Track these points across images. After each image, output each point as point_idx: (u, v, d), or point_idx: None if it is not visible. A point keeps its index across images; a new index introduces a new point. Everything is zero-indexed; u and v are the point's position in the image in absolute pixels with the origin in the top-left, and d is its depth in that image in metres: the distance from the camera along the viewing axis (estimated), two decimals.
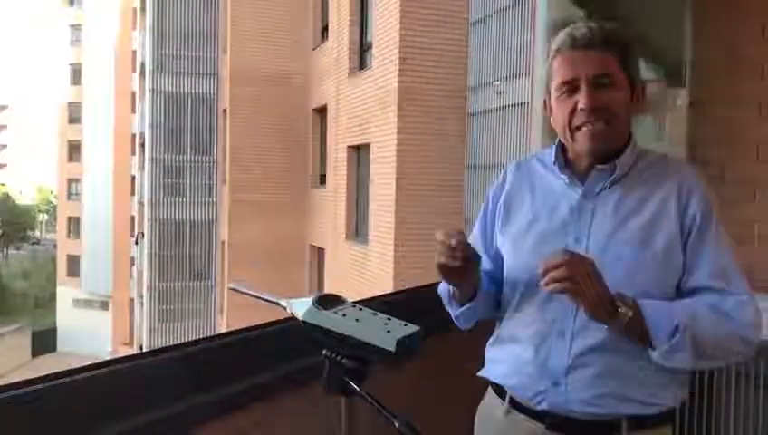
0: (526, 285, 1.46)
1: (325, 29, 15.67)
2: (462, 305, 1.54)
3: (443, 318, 2.22)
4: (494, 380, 1.55)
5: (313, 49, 16.56)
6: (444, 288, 1.59)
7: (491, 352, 1.59)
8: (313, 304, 1.17)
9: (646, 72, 4.58)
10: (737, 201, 3.39)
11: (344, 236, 13.32)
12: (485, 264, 1.56)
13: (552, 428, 1.42)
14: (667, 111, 4.26)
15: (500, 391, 1.54)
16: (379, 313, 1.17)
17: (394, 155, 10.64)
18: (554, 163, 1.48)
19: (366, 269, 11.91)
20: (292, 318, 1.21)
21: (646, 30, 4.17)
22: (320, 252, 15.81)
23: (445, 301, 1.61)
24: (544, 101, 1.50)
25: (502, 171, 1.63)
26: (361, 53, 13.06)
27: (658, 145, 4.50)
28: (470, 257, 1.39)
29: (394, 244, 10.52)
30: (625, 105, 1.42)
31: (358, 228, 13.08)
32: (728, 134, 3.42)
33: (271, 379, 1.73)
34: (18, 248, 55.95)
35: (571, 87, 1.40)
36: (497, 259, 1.58)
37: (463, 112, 10.72)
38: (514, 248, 1.51)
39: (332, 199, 14.13)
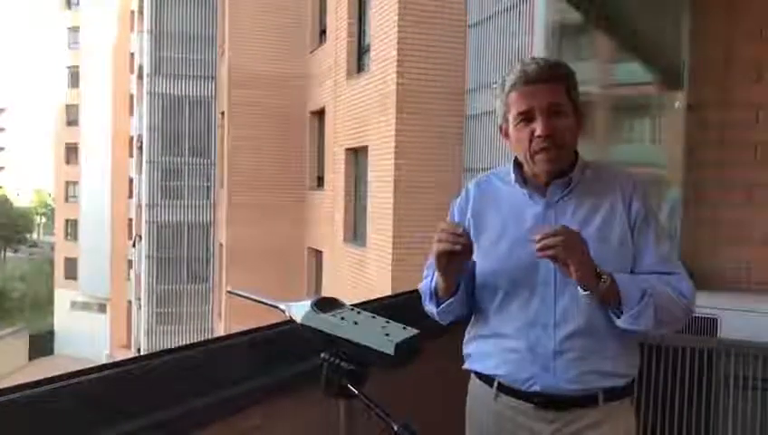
0: (507, 286, 1.67)
1: (323, 31, 15.67)
2: (442, 302, 1.71)
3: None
4: (484, 371, 1.74)
5: (311, 51, 16.56)
6: (426, 286, 1.77)
7: (472, 347, 1.79)
8: (312, 308, 1.17)
9: (642, 75, 4.59)
10: (735, 203, 3.40)
11: (342, 238, 13.31)
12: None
13: (540, 406, 1.65)
14: (665, 113, 4.27)
15: (487, 379, 1.74)
16: (377, 316, 1.17)
17: (392, 157, 10.64)
18: (515, 181, 1.71)
19: (364, 272, 11.91)
20: (291, 321, 1.21)
21: (643, 32, 4.18)
22: (318, 254, 15.80)
23: (425, 299, 1.78)
24: (500, 127, 1.74)
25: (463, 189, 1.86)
26: (359, 56, 13.06)
27: (656, 147, 4.51)
28: (469, 247, 1.58)
29: (392, 246, 10.52)
30: (573, 128, 1.66)
31: (356, 231, 13.08)
32: (726, 136, 3.43)
33: (270, 382, 1.72)
34: (16, 251, 55.88)
35: (527, 117, 1.63)
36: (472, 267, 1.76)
37: (461, 115, 10.73)
38: (489, 255, 1.70)
39: (330, 202, 14.13)
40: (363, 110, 12.12)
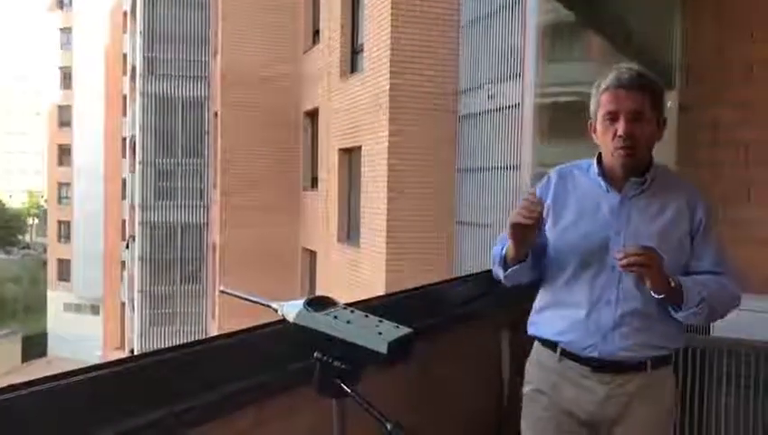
0: (578, 264, 1.93)
1: (317, 32, 15.65)
2: (510, 267, 1.96)
3: (435, 320, 2.23)
4: (548, 337, 2.00)
5: (305, 52, 16.54)
6: (496, 251, 2.02)
7: (540, 316, 2.05)
8: (304, 307, 1.17)
9: None
10: (730, 202, 3.41)
11: (336, 238, 13.30)
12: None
13: (597, 369, 1.92)
14: None
15: (551, 344, 2.00)
16: (370, 315, 1.17)
17: (385, 158, 10.63)
18: (598, 175, 1.95)
19: (358, 272, 11.90)
20: (284, 321, 1.21)
21: (635, 33, 4.19)
22: (312, 255, 15.78)
23: (494, 263, 2.03)
24: (589, 123, 1.99)
25: (546, 175, 2.09)
26: (353, 56, 13.05)
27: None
28: (542, 220, 1.83)
29: (386, 246, 10.51)
30: (650, 135, 1.90)
31: (350, 231, 13.07)
32: (718, 136, 3.45)
33: (263, 382, 1.72)
34: (8, 253, 55.62)
35: (613, 117, 1.88)
36: (542, 242, 1.99)
37: (454, 115, 10.74)
38: (565, 237, 1.96)
39: (324, 202, 14.11)
40: (357, 110, 12.11)
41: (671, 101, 3.79)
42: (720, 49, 3.43)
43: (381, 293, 9.33)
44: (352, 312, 1.18)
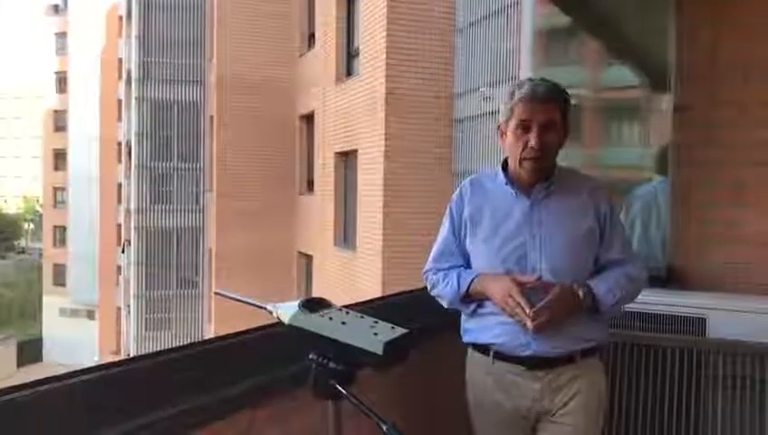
0: (500, 271, 2.02)
1: (312, 36, 15.66)
2: (471, 303, 2.09)
3: (430, 321, 2.23)
4: (482, 342, 2.09)
5: (300, 56, 16.55)
6: (454, 291, 2.09)
7: (472, 323, 2.13)
8: (299, 308, 1.17)
9: (629, 77, 4.62)
10: (725, 204, 3.42)
11: (332, 242, 13.29)
12: (460, 260, 2.15)
13: (531, 367, 2.03)
14: (652, 115, 4.29)
15: (484, 349, 2.09)
16: (366, 316, 1.17)
17: (381, 161, 10.63)
18: (506, 183, 2.07)
19: (354, 275, 11.89)
20: (280, 323, 1.21)
21: (630, 35, 4.20)
22: (308, 259, 15.76)
23: (453, 300, 2.11)
24: (499, 127, 2.09)
25: (458, 187, 2.17)
26: (348, 60, 13.06)
27: (644, 149, 4.53)
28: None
29: (382, 250, 10.51)
30: (559, 143, 2.03)
31: (346, 235, 13.06)
32: (713, 137, 3.45)
33: (258, 384, 1.72)
34: (3, 258, 55.44)
35: (525, 126, 1.98)
36: (465, 255, 2.14)
37: (450, 118, 10.75)
38: (487, 247, 2.07)
39: (320, 206, 14.10)
40: (353, 114, 12.12)
41: (665, 103, 3.80)
42: (715, 49, 3.44)
43: (378, 296, 9.33)
44: (347, 313, 1.18)
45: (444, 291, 2.13)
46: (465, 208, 2.11)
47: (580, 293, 2.00)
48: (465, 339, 2.17)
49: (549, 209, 2.04)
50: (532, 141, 1.95)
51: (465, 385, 2.18)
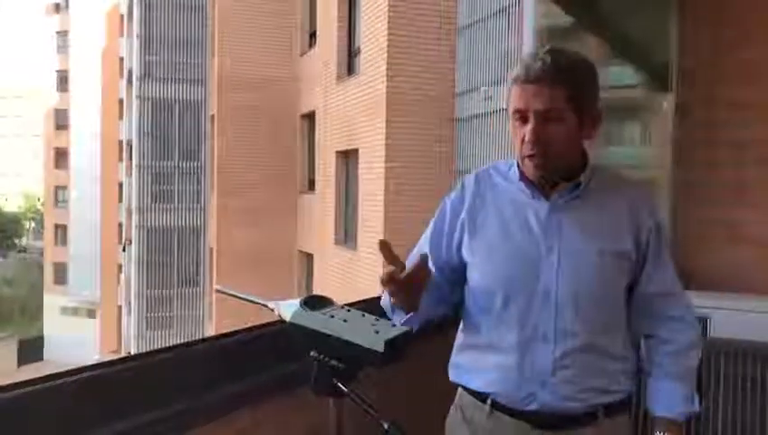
0: (505, 293, 1.56)
1: (313, 35, 15.66)
2: (404, 316, 1.55)
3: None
4: (476, 388, 1.62)
5: (301, 55, 16.55)
6: (385, 301, 1.61)
7: (464, 357, 1.66)
8: (301, 306, 1.16)
9: (631, 77, 4.61)
10: (726, 204, 3.41)
11: (333, 241, 13.29)
12: (435, 271, 1.60)
13: (538, 425, 1.56)
14: (653, 115, 4.29)
15: (479, 395, 1.62)
16: (367, 314, 1.17)
17: (382, 160, 10.64)
18: (519, 179, 1.59)
19: (355, 274, 11.89)
20: (281, 321, 1.20)
21: (632, 35, 4.20)
22: (309, 257, 15.76)
23: (387, 312, 1.62)
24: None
25: (461, 180, 1.72)
26: (349, 59, 13.06)
27: (645, 149, 4.53)
28: (412, 288, 1.46)
29: None
30: (569, 136, 1.52)
31: (346, 234, 13.07)
32: (715, 136, 3.45)
33: (259, 382, 1.71)
34: (4, 256, 55.49)
35: (522, 116, 1.52)
36: (452, 266, 1.66)
37: (451, 117, 10.74)
38: (489, 258, 1.59)
39: (321, 205, 14.11)
40: (353, 113, 12.12)
41: (667, 103, 3.80)
42: (717, 49, 3.44)
43: (378, 295, 9.31)
44: (349, 311, 1.17)
45: (384, 301, 1.62)
46: (465, 207, 1.64)
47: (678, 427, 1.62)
48: (453, 377, 1.69)
49: (574, 217, 1.57)
50: (527, 135, 1.50)
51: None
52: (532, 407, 1.54)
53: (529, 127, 1.50)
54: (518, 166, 1.59)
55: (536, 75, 1.49)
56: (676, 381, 1.64)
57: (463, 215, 1.64)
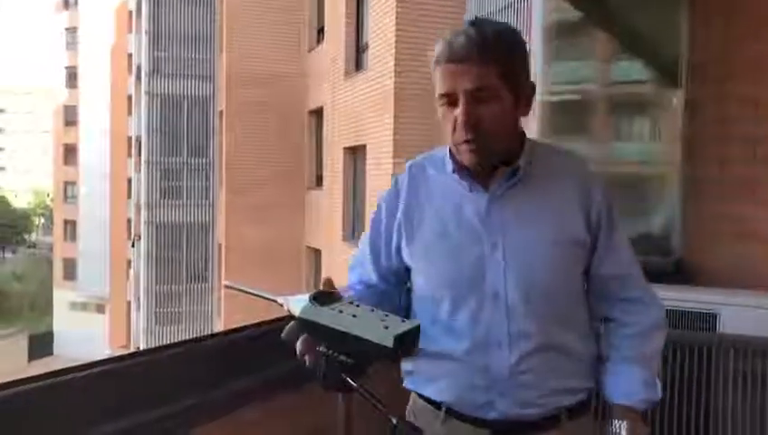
0: (451, 297, 1.44)
1: (321, 30, 15.66)
2: None
3: None
4: (429, 396, 1.52)
5: (309, 51, 16.56)
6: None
7: (416, 364, 1.53)
8: (310, 301, 1.16)
9: (641, 72, 4.59)
10: (736, 200, 3.40)
11: (341, 237, 13.31)
12: (372, 276, 1.57)
13: (499, 431, 1.45)
14: (663, 110, 4.27)
15: (433, 403, 1.52)
16: (376, 309, 1.16)
17: (390, 156, 10.63)
18: (453, 171, 1.46)
19: None
20: (290, 316, 1.20)
21: (642, 30, 4.17)
22: (316, 253, 15.79)
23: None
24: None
25: (395, 177, 1.59)
26: (357, 55, 13.05)
27: (654, 145, 4.51)
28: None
29: None
30: (505, 116, 1.39)
31: (354, 230, 13.07)
32: (725, 132, 3.43)
33: (268, 377, 1.72)
34: (14, 252, 55.83)
35: (450, 100, 1.38)
36: (395, 271, 1.56)
37: None
38: (427, 260, 1.48)
39: (329, 201, 14.12)
40: (361, 108, 12.12)
41: (677, 98, 3.78)
42: (727, 45, 3.42)
43: None
44: (358, 306, 1.17)
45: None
46: (401, 207, 1.51)
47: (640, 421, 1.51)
48: (407, 384, 1.57)
49: (516, 207, 1.43)
50: (459, 117, 1.36)
51: None
52: (491, 415, 1.44)
53: (460, 108, 1.36)
54: (451, 155, 1.47)
55: (462, 53, 1.34)
56: (635, 365, 1.51)
57: (399, 216, 1.51)
